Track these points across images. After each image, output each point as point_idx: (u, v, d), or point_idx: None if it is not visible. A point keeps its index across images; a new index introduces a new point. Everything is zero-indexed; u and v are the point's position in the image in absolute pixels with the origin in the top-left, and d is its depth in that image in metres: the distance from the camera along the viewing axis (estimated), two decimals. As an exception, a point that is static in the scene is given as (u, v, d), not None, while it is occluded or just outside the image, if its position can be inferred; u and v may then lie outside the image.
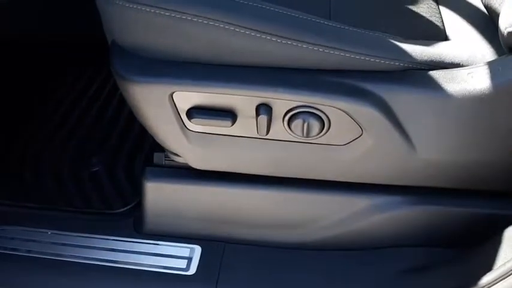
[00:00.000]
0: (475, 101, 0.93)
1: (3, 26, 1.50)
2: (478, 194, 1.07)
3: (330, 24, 0.98)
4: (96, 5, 1.00)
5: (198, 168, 1.08)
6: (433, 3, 1.13)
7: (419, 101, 0.95)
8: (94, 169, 1.32)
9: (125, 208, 1.22)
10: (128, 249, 1.14)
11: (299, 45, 0.94)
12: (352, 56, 0.95)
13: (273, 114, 0.97)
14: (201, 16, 0.92)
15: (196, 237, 1.15)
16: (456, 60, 0.97)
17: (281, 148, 1.02)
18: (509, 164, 1.01)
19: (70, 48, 1.63)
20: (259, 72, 0.97)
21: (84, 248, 1.15)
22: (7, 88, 1.54)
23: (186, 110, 0.99)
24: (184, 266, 1.11)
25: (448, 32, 1.05)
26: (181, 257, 1.12)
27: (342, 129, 0.98)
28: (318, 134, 0.98)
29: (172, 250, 1.13)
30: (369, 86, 0.96)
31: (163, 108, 0.99)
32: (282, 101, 0.96)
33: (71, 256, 1.13)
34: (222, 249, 1.13)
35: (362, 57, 0.95)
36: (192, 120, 0.99)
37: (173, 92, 0.97)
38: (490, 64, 0.95)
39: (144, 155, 1.32)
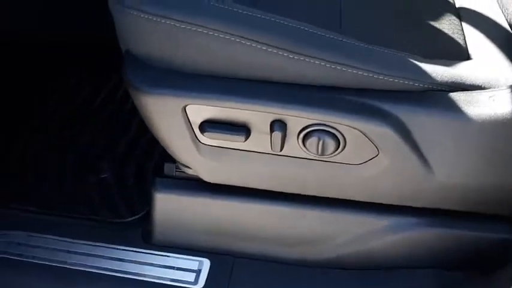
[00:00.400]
0: (496, 126, 0.91)
1: (3, 26, 1.50)
2: (493, 218, 1.05)
3: (348, 41, 0.96)
4: (111, 13, 0.98)
5: (209, 181, 1.06)
6: (455, 19, 1.10)
7: (438, 123, 0.92)
8: (102, 175, 1.31)
9: (134, 217, 1.20)
10: (136, 260, 1.12)
11: (316, 62, 0.92)
12: (369, 75, 0.93)
13: (288, 131, 0.96)
14: (220, 31, 0.91)
15: (205, 250, 1.13)
16: (478, 82, 0.95)
17: (294, 165, 1.00)
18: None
19: (70, 48, 1.61)
20: (275, 87, 0.95)
21: (90, 256, 1.13)
22: (7, 88, 1.53)
23: (199, 123, 0.97)
24: (193, 280, 1.09)
25: (471, 51, 1.02)
26: (190, 270, 1.11)
27: (357, 148, 0.96)
28: (333, 152, 0.96)
29: (181, 262, 1.12)
30: (386, 106, 0.93)
31: (176, 120, 0.97)
32: (297, 118, 0.94)
33: (77, 264, 1.12)
34: (231, 264, 1.11)
35: (380, 77, 0.93)
36: (204, 133, 0.97)
37: (186, 105, 0.95)
38: (513, 88, 0.93)
39: (154, 163, 1.30)
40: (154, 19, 0.91)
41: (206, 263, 1.11)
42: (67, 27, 1.61)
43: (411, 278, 1.08)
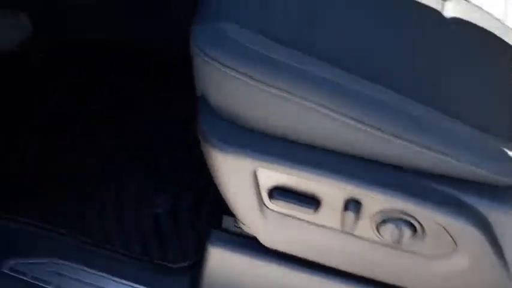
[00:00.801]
0: None
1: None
2: None
3: (432, 116, 0.88)
4: (191, 55, 0.94)
5: (268, 246, 1.01)
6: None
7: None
8: (157, 210, 1.27)
9: (183, 264, 1.15)
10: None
11: (398, 141, 0.85)
12: (456, 162, 0.85)
13: (362, 212, 0.89)
14: (307, 99, 0.85)
15: None
16: None
17: (363, 247, 0.93)
18: None
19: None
20: (353, 163, 0.88)
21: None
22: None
23: (268, 188, 0.92)
24: None
25: None
26: (234, 332, 1.06)
27: (434, 240, 0.89)
28: (408, 241, 0.89)
29: (224, 321, 1.07)
30: (470, 199, 0.86)
31: (245, 181, 0.92)
32: (374, 200, 0.87)
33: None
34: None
35: (461, 164, 0.85)
36: (272, 200, 0.92)
37: (257, 168, 0.90)
38: None
39: (212, 209, 1.25)
40: (234, 74, 0.86)
41: (251, 327, 1.06)
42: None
43: None
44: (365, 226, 0.90)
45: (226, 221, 1.07)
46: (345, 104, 0.85)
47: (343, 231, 0.93)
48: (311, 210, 0.91)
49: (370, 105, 0.85)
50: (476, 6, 1.07)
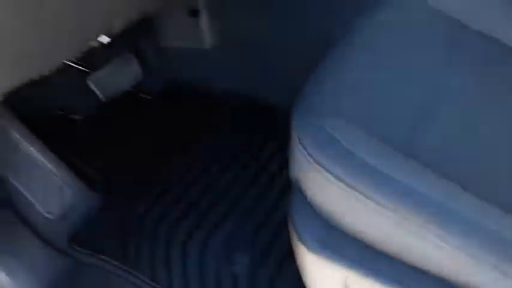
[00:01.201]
0: None
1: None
2: None
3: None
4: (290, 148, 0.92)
5: None
6: None
7: None
8: (235, 271, 1.26)
9: None
10: None
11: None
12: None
13: None
14: (405, 217, 0.81)
15: None
16: None
17: None
18: None
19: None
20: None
21: None
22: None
23: (358, 298, 0.89)
24: None
25: None
26: None
27: None
28: None
29: None
30: None
31: (332, 286, 0.90)
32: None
33: None
34: None
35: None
36: (359, 308, 0.89)
37: (348, 277, 0.87)
38: None
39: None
40: (335, 180, 0.84)
41: None
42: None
43: None
44: None
45: None
46: (456, 233, 0.81)
47: None
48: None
49: (491, 242, 0.80)
50: None
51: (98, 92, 1.58)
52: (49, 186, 1.32)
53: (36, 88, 1.18)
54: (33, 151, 1.31)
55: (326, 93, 0.93)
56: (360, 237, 0.87)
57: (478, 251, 0.80)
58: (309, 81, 0.95)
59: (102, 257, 1.29)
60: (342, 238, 0.88)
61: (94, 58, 1.50)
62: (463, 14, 1.10)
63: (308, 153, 0.86)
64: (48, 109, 1.51)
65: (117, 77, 1.62)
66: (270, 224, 1.36)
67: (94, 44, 1.17)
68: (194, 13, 1.65)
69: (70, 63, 1.48)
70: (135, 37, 1.63)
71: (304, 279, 0.95)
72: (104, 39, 1.13)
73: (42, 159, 1.32)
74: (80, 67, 1.52)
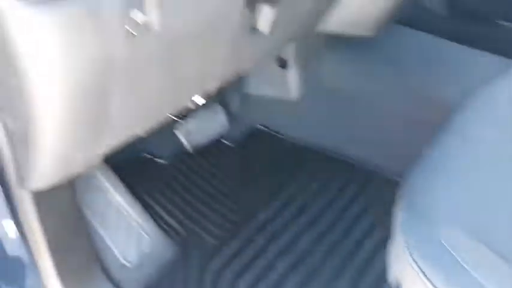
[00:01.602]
0: None
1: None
2: None
3: None
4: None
5: None
6: None
7: None
8: None
9: None
10: None
11: None
12: None
13: None
14: None
15: None
16: None
17: None
18: None
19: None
20: None
21: None
22: None
23: None
24: None
25: None
26: None
27: None
28: None
29: None
30: None
31: None
32: None
33: None
34: None
35: None
36: None
37: None
38: None
39: None
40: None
41: None
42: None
43: None
44: None
45: None
46: None
47: None
48: None
49: None
50: None
51: (185, 143, 1.57)
52: (128, 233, 1.31)
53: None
54: (116, 196, 1.30)
55: (438, 193, 0.85)
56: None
57: None
58: (419, 169, 0.87)
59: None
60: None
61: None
62: None
63: (414, 261, 0.79)
64: (135, 151, 1.51)
65: (204, 128, 1.61)
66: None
67: (189, 104, 1.16)
68: (283, 64, 1.62)
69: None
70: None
71: None
72: (199, 99, 1.13)
73: (125, 205, 1.31)
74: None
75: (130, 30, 0.77)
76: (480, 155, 0.91)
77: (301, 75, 1.64)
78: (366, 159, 1.56)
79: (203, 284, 1.30)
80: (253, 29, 1.08)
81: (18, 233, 1.03)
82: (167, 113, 1.06)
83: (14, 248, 1.05)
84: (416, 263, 0.77)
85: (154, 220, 1.37)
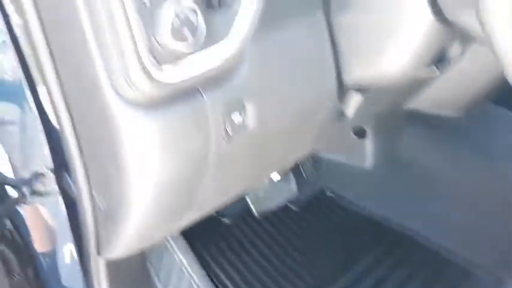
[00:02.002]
0: None
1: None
2: None
3: None
4: None
5: None
6: None
7: None
8: None
9: None
10: None
11: None
12: None
13: None
14: None
15: None
16: None
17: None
18: None
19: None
20: None
21: None
22: None
23: None
24: None
25: None
26: None
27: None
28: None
29: None
30: None
31: None
32: None
33: None
34: None
35: None
36: None
37: None
38: None
39: None
40: None
41: None
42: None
43: None
44: None
45: None
46: None
47: None
48: None
49: None
50: None
51: (253, 209, 1.56)
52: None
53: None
54: (180, 255, 1.30)
55: None
56: None
57: None
58: None
59: None
60: None
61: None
62: None
63: None
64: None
65: (273, 195, 1.60)
66: None
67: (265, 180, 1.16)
68: (361, 133, 1.60)
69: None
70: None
71: None
72: (275, 175, 1.13)
73: (187, 265, 1.31)
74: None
75: (229, 130, 0.78)
76: None
77: (378, 145, 1.61)
78: (440, 241, 1.50)
79: None
80: (341, 115, 1.08)
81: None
82: (246, 189, 1.06)
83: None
84: None
85: (213, 282, 1.37)
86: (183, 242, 1.34)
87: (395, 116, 1.57)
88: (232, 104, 0.77)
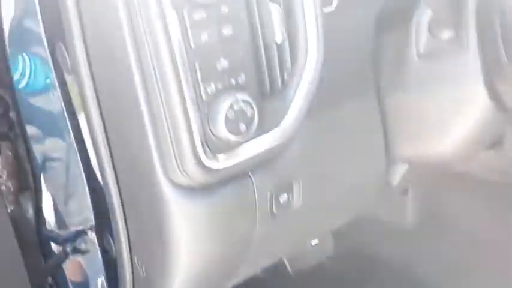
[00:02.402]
0: None
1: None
2: None
3: None
4: None
5: None
6: None
7: None
8: None
9: None
10: None
11: None
12: None
13: None
14: None
15: None
16: None
17: None
18: None
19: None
20: None
21: None
22: None
23: None
24: None
25: None
26: None
27: None
28: None
29: None
30: None
31: None
32: None
33: None
34: None
35: None
36: None
37: None
38: None
39: None
40: None
41: None
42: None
43: None
44: None
45: None
46: None
47: None
48: None
49: None
50: None
51: (287, 265, 1.55)
52: None
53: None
54: None
55: None
56: None
57: None
58: None
59: None
60: None
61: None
62: None
63: None
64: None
65: (310, 255, 1.57)
66: None
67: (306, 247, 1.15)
68: (403, 191, 1.57)
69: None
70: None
71: None
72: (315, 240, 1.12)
73: None
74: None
75: (275, 210, 0.77)
76: None
77: (419, 203, 1.58)
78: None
79: None
80: (386, 183, 1.06)
81: None
82: (285, 256, 1.05)
83: None
84: None
85: None
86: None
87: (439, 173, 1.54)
88: (280, 185, 0.76)
